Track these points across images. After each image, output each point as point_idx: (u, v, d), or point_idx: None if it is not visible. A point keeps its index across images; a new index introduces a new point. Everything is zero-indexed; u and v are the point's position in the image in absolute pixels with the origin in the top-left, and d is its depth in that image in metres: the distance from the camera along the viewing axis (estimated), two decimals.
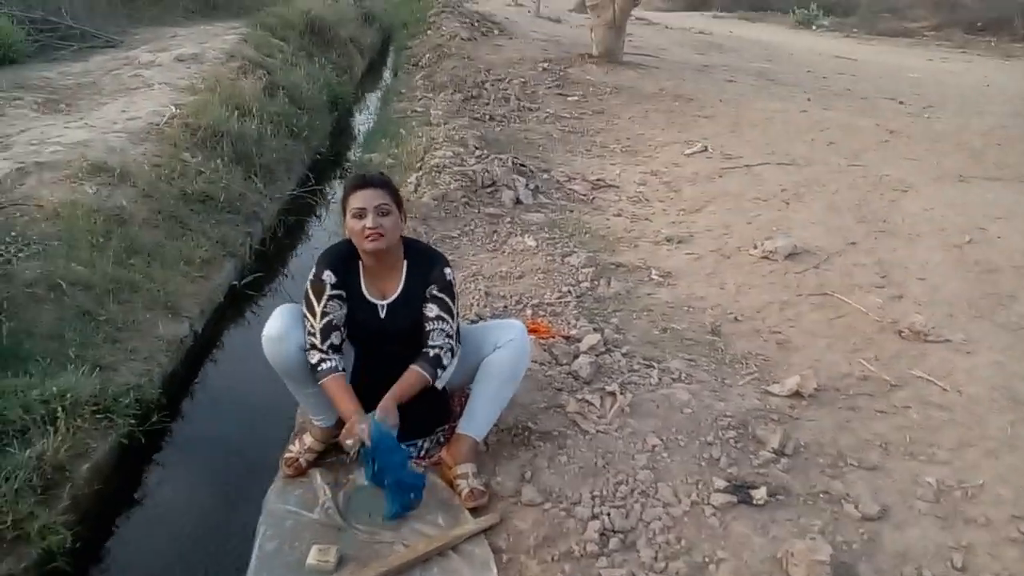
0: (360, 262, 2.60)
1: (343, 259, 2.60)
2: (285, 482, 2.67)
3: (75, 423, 2.79)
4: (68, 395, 2.83)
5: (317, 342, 2.52)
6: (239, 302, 4.47)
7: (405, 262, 2.63)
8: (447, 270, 2.64)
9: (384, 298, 2.61)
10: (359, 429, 2.36)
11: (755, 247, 4.71)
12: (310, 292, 2.55)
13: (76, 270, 3.62)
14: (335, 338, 2.55)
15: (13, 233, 3.56)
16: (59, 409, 2.76)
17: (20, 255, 3.49)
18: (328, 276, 2.55)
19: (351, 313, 2.61)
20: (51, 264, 3.58)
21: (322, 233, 5.55)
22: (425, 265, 2.63)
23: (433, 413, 2.81)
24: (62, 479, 2.64)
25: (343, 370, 2.55)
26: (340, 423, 2.77)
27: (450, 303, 2.62)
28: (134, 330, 3.54)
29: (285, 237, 5.42)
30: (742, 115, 8.32)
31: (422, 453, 2.80)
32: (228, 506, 2.94)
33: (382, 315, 2.61)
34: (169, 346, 3.57)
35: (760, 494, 2.55)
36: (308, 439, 2.76)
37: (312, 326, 2.53)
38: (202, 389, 3.71)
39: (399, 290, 2.61)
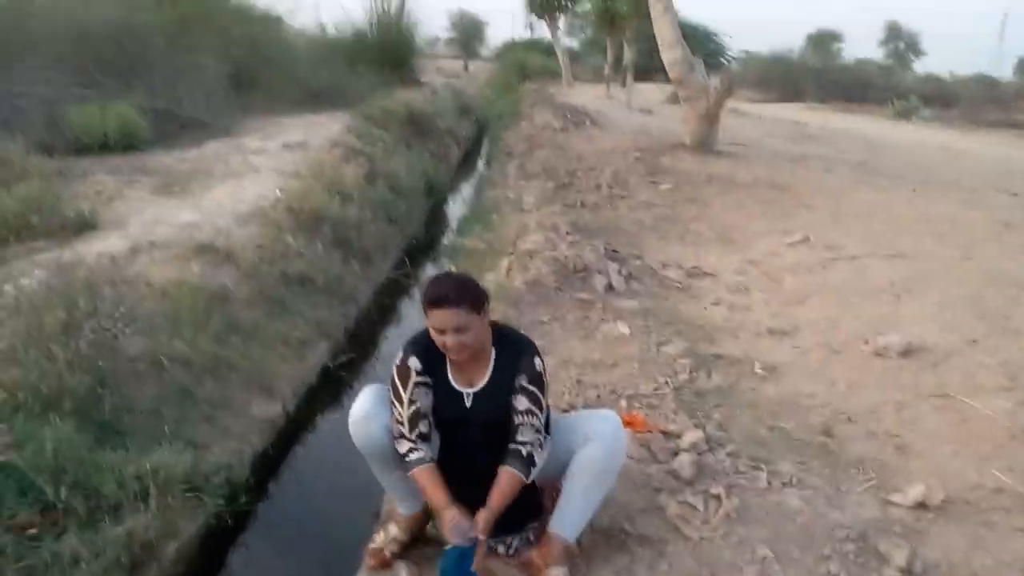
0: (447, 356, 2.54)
1: (429, 346, 2.51)
2: (369, 575, 2.56)
3: (166, 501, 2.79)
4: (161, 472, 2.84)
5: (405, 431, 2.46)
6: (331, 383, 4.48)
7: (494, 350, 2.54)
8: (536, 360, 2.54)
9: (471, 386, 2.53)
10: (461, 528, 2.29)
11: (866, 343, 4.45)
12: (396, 379, 2.49)
13: (178, 347, 3.71)
14: (423, 426, 2.48)
15: (122, 309, 3.68)
16: (151, 486, 2.76)
17: (126, 331, 3.59)
18: (414, 363, 2.49)
19: (436, 401, 2.53)
20: (155, 340, 3.67)
21: (415, 314, 5.57)
22: (514, 354, 2.54)
23: (523, 508, 2.66)
24: (150, 558, 2.63)
25: (433, 460, 2.46)
26: (426, 509, 2.69)
27: (539, 395, 2.52)
28: (228, 408, 3.57)
29: (378, 319, 5.48)
30: (843, 206, 8.09)
31: (511, 551, 2.65)
32: None
33: (468, 404, 2.53)
34: (261, 426, 3.59)
35: None
36: (393, 528, 2.67)
37: (400, 414, 2.47)
38: (290, 471, 3.69)
39: (486, 379, 2.52)
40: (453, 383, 2.53)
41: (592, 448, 2.53)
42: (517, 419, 2.48)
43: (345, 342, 4.86)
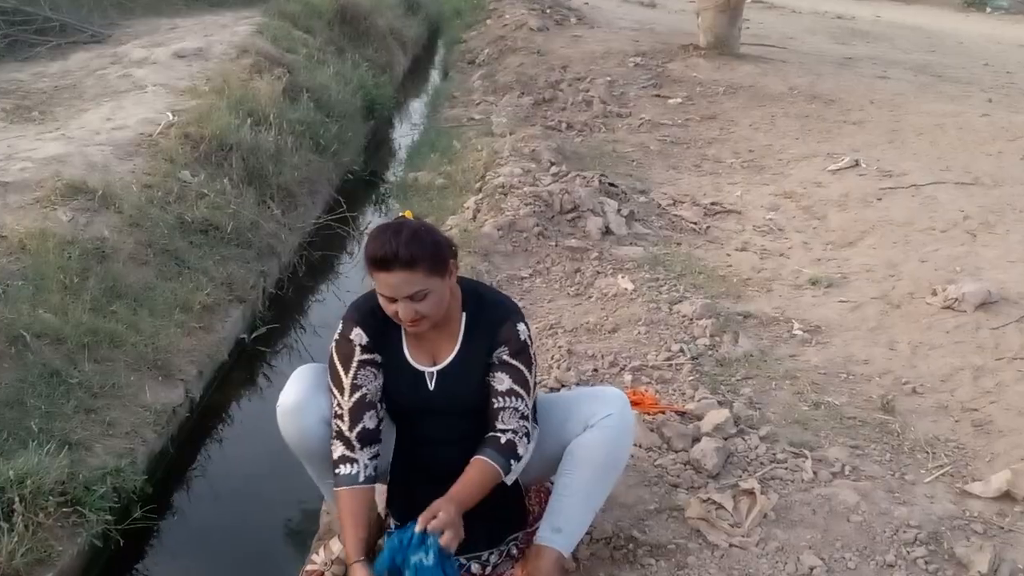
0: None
1: (377, 313, 2.43)
2: None
3: (35, 519, 2.75)
4: (28, 481, 2.79)
5: (344, 428, 2.39)
6: (249, 361, 4.44)
7: (464, 316, 2.50)
8: (520, 326, 2.49)
9: (434, 363, 2.48)
10: None
11: (934, 293, 4.50)
12: (335, 357, 2.43)
13: (44, 318, 3.64)
14: (368, 420, 2.41)
15: None
16: (16, 500, 2.72)
17: None
18: (358, 335, 2.42)
19: (390, 383, 2.48)
20: (13, 310, 3.60)
21: (355, 273, 5.52)
22: (491, 319, 2.49)
23: (502, 515, 2.65)
24: None
25: (367, 480, 2.38)
26: (379, 519, 2.67)
27: (526, 372, 2.47)
28: (113, 396, 3.53)
29: (308, 278, 5.43)
30: (903, 120, 8.11)
31: (488, 570, 2.65)
32: None
33: (431, 386, 2.48)
34: (158, 418, 3.55)
35: None
36: (336, 546, 2.68)
37: (339, 405, 2.40)
38: (200, 475, 3.68)
39: (454, 352, 2.48)
40: (411, 360, 2.48)
41: (591, 436, 2.50)
42: (497, 402, 2.43)
43: (264, 308, 4.80)
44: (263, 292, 4.87)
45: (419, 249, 2.25)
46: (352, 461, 2.37)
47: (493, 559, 2.66)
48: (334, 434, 2.40)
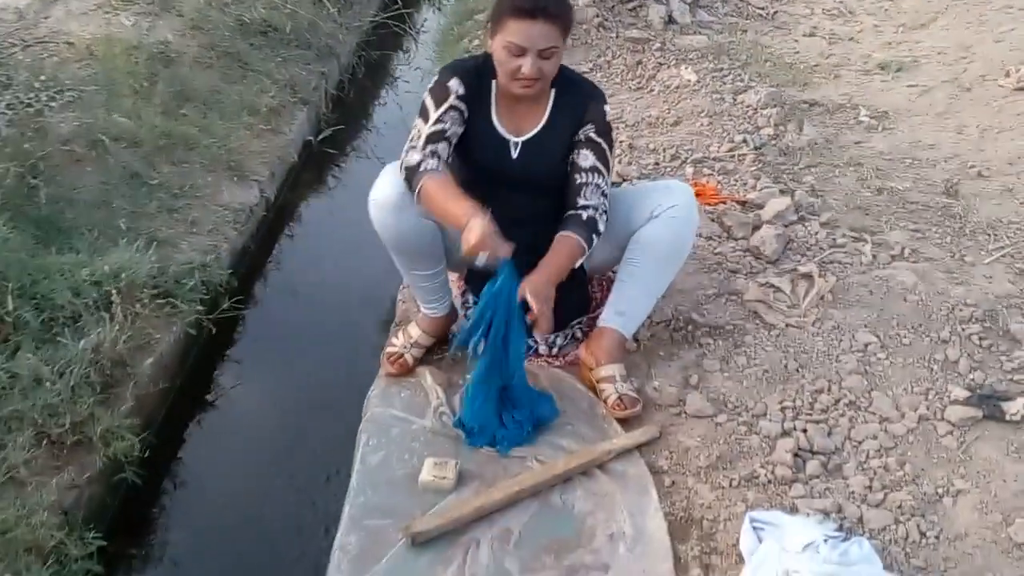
0: (494, 83, 2.54)
1: (475, 75, 2.53)
2: (388, 382, 2.73)
3: (133, 309, 2.94)
4: (123, 275, 2.96)
5: (419, 144, 2.44)
6: (317, 161, 4.54)
7: (553, 91, 2.56)
8: (606, 107, 2.56)
9: (520, 134, 2.55)
10: (490, 240, 2.22)
11: (1007, 75, 4.40)
12: (427, 99, 2.49)
13: (119, 122, 3.74)
14: (441, 148, 2.46)
15: (43, 77, 3.69)
16: (114, 292, 2.90)
17: (52, 104, 3.62)
18: (456, 84, 2.48)
19: (474, 149, 2.56)
20: (89, 115, 3.70)
21: (414, 73, 5.52)
22: (579, 98, 2.55)
23: (568, 299, 2.75)
24: (123, 376, 2.81)
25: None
26: (453, 311, 2.82)
27: (607, 152, 2.56)
28: (193, 197, 3.66)
29: (368, 78, 5.43)
30: None
31: (554, 351, 2.81)
32: (319, 411, 3.07)
33: (514, 155, 2.56)
34: (236, 216, 3.68)
35: (1015, 407, 2.44)
36: (415, 331, 2.80)
37: (418, 130, 2.47)
38: (279, 269, 3.85)
39: (541, 125, 2.55)
40: (498, 126, 2.55)
41: (656, 227, 2.59)
42: (580, 177, 2.52)
43: (328, 110, 4.86)
44: (325, 94, 4.91)
45: (564, 5, 2.40)
46: (431, 160, 2.40)
47: (559, 341, 2.82)
48: (406, 150, 2.45)
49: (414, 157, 2.41)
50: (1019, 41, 4.79)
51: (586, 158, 2.53)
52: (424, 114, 2.48)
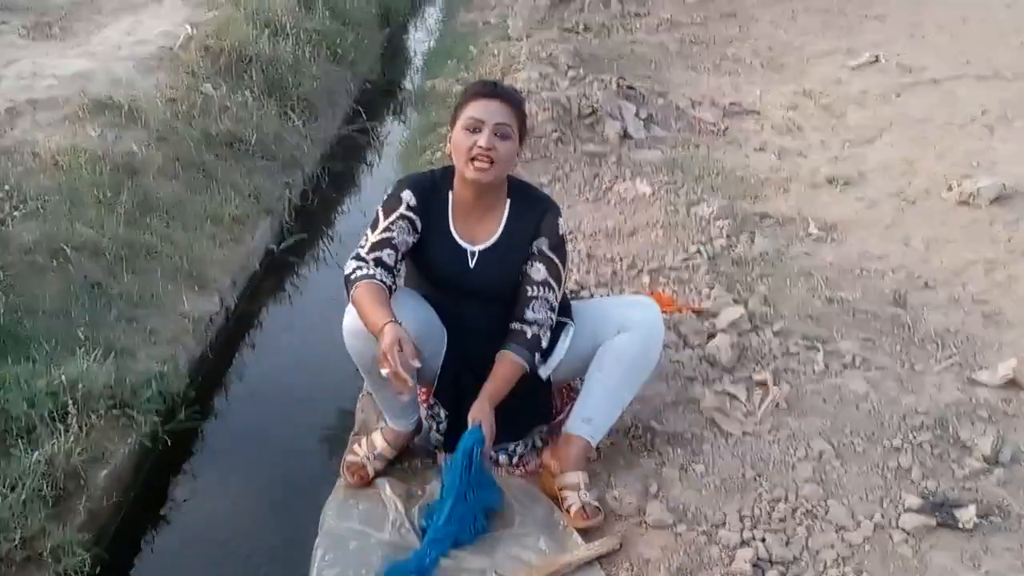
0: (451, 194, 2.62)
1: (430, 186, 2.62)
2: (347, 494, 2.71)
3: (88, 421, 2.91)
4: (79, 385, 2.94)
5: (363, 252, 2.50)
6: (279, 269, 4.56)
7: (508, 201, 2.63)
8: (560, 222, 2.65)
9: (476, 243, 2.62)
10: (391, 353, 2.21)
11: (949, 188, 4.55)
12: (379, 210, 2.57)
13: (82, 231, 3.76)
14: (387, 256, 2.50)
15: (7, 187, 3.71)
16: (70, 403, 2.87)
17: (16, 214, 3.64)
18: (408, 196, 2.57)
19: (433, 259, 2.62)
20: (52, 225, 3.72)
21: (377, 183, 5.60)
22: (533, 211, 2.63)
23: (529, 408, 2.81)
24: (76, 488, 2.76)
25: (386, 285, 2.45)
26: (419, 424, 2.83)
27: (560, 267, 2.63)
28: (153, 306, 3.66)
29: (332, 188, 5.50)
30: (924, 14, 7.97)
31: (514, 460, 2.82)
32: (275, 523, 3.02)
33: (471, 264, 2.62)
34: (196, 325, 3.68)
35: (968, 515, 2.47)
36: (379, 442, 2.79)
37: (366, 238, 2.53)
38: (237, 379, 3.82)
39: (497, 235, 2.62)
40: (455, 235, 2.61)
41: (625, 338, 2.66)
42: (530, 290, 2.59)
43: (291, 219, 4.91)
44: (289, 203, 4.96)
45: (517, 97, 2.60)
46: (365, 267, 2.45)
47: (519, 450, 2.83)
48: (351, 258, 2.50)
49: (351, 265, 2.48)
50: (960, 157, 4.98)
51: (538, 271, 2.60)
52: (374, 224, 2.55)
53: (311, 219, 5.07)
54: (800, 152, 5.22)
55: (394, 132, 6.45)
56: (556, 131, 5.13)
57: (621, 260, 3.92)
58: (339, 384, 3.56)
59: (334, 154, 5.83)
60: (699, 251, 3.95)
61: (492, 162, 2.47)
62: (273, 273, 4.55)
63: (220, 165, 4.77)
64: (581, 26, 7.63)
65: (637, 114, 5.44)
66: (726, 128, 5.58)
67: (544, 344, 2.62)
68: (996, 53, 6.86)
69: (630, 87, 5.81)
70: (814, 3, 8.39)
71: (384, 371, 2.23)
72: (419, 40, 9.06)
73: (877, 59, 6.71)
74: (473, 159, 2.47)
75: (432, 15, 10.04)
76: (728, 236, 4.09)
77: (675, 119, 5.65)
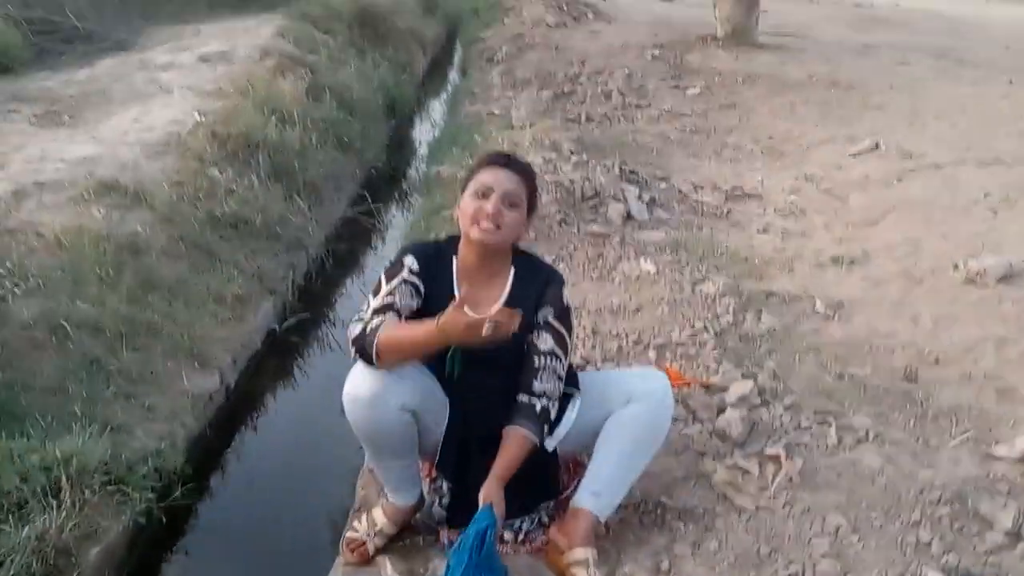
0: (455, 260, 2.59)
1: (433, 254, 2.61)
2: (346, 572, 2.62)
3: (82, 496, 2.83)
4: (73, 461, 2.87)
5: (365, 317, 2.44)
6: (280, 350, 4.52)
7: (512, 269, 2.61)
8: (565, 292, 2.62)
9: (479, 310, 2.57)
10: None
11: (956, 268, 4.53)
12: (382, 277, 2.55)
13: (82, 309, 3.73)
14: (389, 319, 2.45)
15: (8, 265, 3.70)
16: (63, 478, 2.80)
17: (16, 291, 3.62)
18: (410, 261, 2.55)
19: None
20: (53, 302, 3.69)
21: (381, 264, 5.58)
22: (537, 280, 2.61)
23: (536, 483, 2.72)
24: (67, 566, 2.67)
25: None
26: (421, 501, 2.74)
27: (566, 337, 2.59)
28: (152, 383, 3.61)
29: (335, 270, 5.50)
30: (922, 103, 8.11)
31: (520, 537, 2.72)
32: None
33: None
34: (195, 403, 3.63)
35: None
36: (380, 518, 2.71)
37: (368, 304, 2.49)
38: (236, 456, 3.75)
39: (501, 302, 2.57)
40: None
41: (635, 409, 2.61)
42: (537, 361, 2.54)
43: (294, 299, 4.89)
44: (292, 284, 4.95)
45: (529, 169, 2.62)
46: (375, 319, 2.41)
47: (525, 526, 2.73)
48: (354, 321, 2.45)
49: (356, 327, 2.42)
50: (964, 238, 4.97)
51: (545, 341, 2.56)
52: (376, 290, 2.53)
53: (314, 299, 5.06)
54: (803, 233, 5.23)
55: (399, 216, 6.49)
56: (560, 213, 5.14)
57: (627, 336, 3.87)
58: (340, 462, 3.51)
59: (339, 236, 5.85)
60: (705, 327, 3.91)
61: (498, 227, 2.47)
62: (275, 352, 4.51)
63: (224, 246, 4.78)
64: (583, 117, 7.75)
65: (640, 197, 5.46)
66: (729, 211, 5.59)
67: (552, 416, 2.57)
68: (996, 140, 6.94)
69: (632, 172, 5.86)
70: (813, 95, 8.54)
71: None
72: (424, 130, 9.20)
73: (877, 146, 6.78)
74: (479, 222, 2.46)
75: (437, 108, 10.22)
76: (734, 313, 4.06)
77: (677, 202, 5.68)
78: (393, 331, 2.37)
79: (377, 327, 2.37)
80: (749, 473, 2.91)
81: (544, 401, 2.54)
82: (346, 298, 5.32)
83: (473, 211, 2.47)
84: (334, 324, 4.95)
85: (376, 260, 5.84)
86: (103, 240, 4.23)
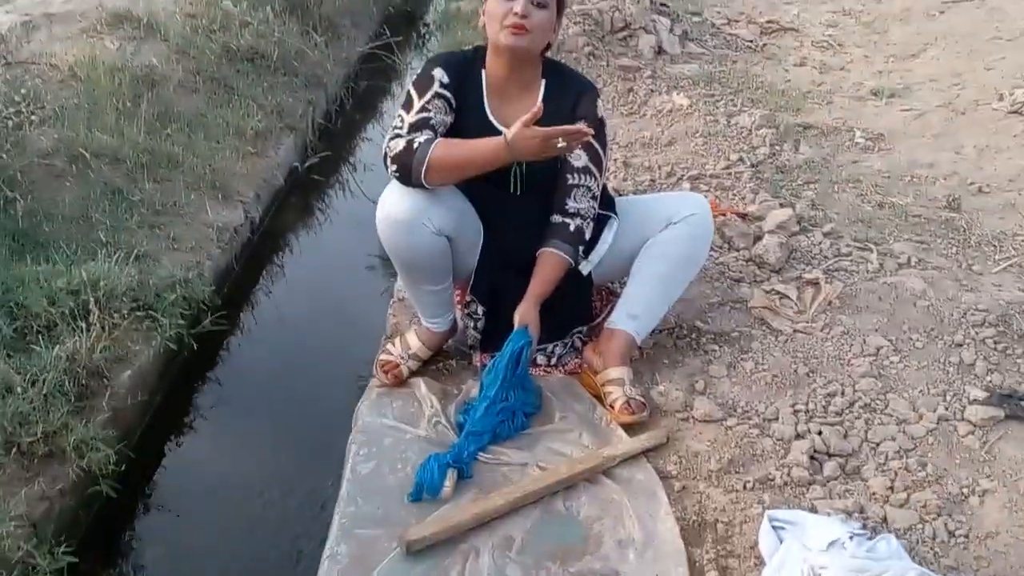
0: (484, 73, 2.47)
1: (463, 65, 2.48)
2: (380, 392, 2.62)
3: (111, 320, 2.80)
4: (101, 285, 2.84)
5: (403, 133, 2.34)
6: (303, 188, 4.45)
7: (543, 82, 2.49)
8: (599, 103, 2.51)
9: (511, 125, 2.47)
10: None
11: (1000, 99, 4.39)
12: (412, 89, 2.44)
13: (100, 139, 3.65)
14: (425, 135, 2.36)
15: (23, 92, 3.60)
16: (91, 302, 2.77)
17: (33, 118, 3.52)
18: (440, 74, 2.43)
19: (469, 139, 2.47)
20: (71, 131, 3.60)
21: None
22: (570, 91, 2.49)
23: (570, 308, 2.69)
24: (99, 387, 2.66)
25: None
26: (454, 327, 2.72)
27: (601, 153, 2.48)
28: (175, 214, 3.55)
29: (356, 111, 5.37)
30: None
31: (553, 360, 2.70)
32: (306, 425, 2.93)
33: None
34: (220, 235, 3.57)
35: None
36: (414, 341, 2.69)
37: (402, 119, 2.38)
38: (264, 290, 3.72)
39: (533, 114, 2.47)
40: (491, 118, 2.48)
41: (675, 231, 2.55)
42: (572, 178, 2.45)
43: (315, 138, 4.77)
44: (312, 122, 4.82)
45: None
46: (418, 135, 2.32)
47: (558, 350, 2.72)
48: (391, 138, 2.36)
49: (397, 143, 2.31)
50: (1010, 69, 4.78)
51: (579, 157, 2.45)
52: (408, 104, 2.41)
53: (335, 139, 4.94)
54: (842, 67, 5.07)
55: (419, 55, 6.29)
56: (588, 45, 4.96)
57: (659, 168, 3.77)
58: (367, 298, 3.49)
59: (358, 75, 5.69)
60: (741, 159, 3.81)
61: (527, 29, 2.32)
62: (298, 191, 4.43)
63: (241, 80, 4.63)
64: None
65: (671, 30, 5.26)
66: (764, 44, 5.42)
67: (587, 236, 2.49)
68: None
69: (663, 3, 5.62)
70: None
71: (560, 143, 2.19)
72: None
73: None
74: (508, 26, 2.32)
75: None
76: (771, 145, 3.94)
77: (711, 35, 5.49)
78: (450, 148, 2.29)
79: (426, 143, 2.27)
80: (787, 297, 2.86)
81: (578, 221, 2.46)
82: (368, 138, 5.20)
83: (501, 15, 2.32)
84: (356, 164, 4.85)
85: (396, 101, 5.68)
86: (118, 72, 4.10)
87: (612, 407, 2.45)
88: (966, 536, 2.00)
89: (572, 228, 2.45)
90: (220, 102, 4.40)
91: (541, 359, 2.69)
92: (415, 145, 2.27)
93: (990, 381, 2.48)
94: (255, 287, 3.72)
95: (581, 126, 2.22)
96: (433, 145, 2.27)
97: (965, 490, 2.13)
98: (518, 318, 2.41)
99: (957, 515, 2.06)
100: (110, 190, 3.48)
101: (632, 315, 2.56)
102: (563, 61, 4.74)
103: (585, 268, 2.59)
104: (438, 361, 2.74)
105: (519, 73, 2.46)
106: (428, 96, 2.39)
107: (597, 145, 2.47)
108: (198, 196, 3.69)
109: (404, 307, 2.98)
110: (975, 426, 2.32)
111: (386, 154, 2.33)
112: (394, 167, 2.31)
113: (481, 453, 2.35)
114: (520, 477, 2.28)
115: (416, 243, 2.40)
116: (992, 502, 2.09)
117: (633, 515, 2.15)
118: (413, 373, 2.68)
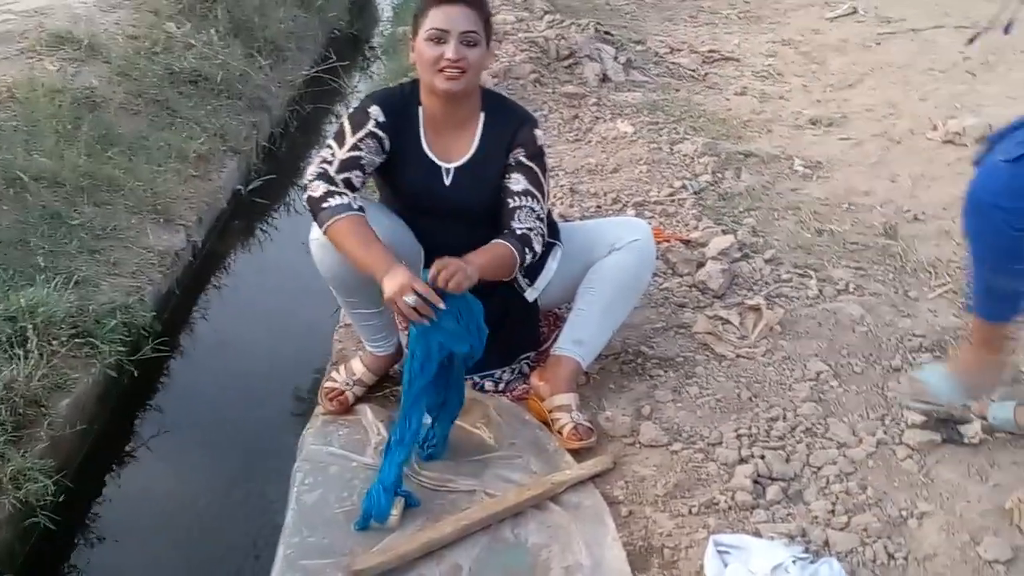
0: (421, 109, 2.47)
1: (399, 102, 2.45)
2: (325, 420, 2.60)
3: (49, 347, 2.76)
4: (40, 311, 2.79)
5: (331, 171, 2.30)
6: (247, 211, 4.41)
7: (482, 115, 2.49)
8: (538, 132, 2.50)
9: (451, 160, 2.48)
10: (417, 283, 2.10)
11: (934, 128, 4.49)
12: (346, 123, 2.39)
13: (40, 162, 3.60)
14: (355, 177, 2.33)
15: None
16: (29, 328, 2.73)
17: None
18: (376, 112, 2.39)
19: (405, 176, 2.48)
20: (8, 154, 3.55)
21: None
22: (509, 122, 2.48)
23: (516, 334, 2.70)
24: (37, 416, 2.62)
25: (359, 211, 2.27)
26: (399, 351, 2.69)
27: (540, 177, 2.49)
28: (116, 238, 3.51)
29: (300, 133, 5.35)
30: None
31: (500, 387, 2.71)
32: (249, 451, 2.91)
33: (447, 181, 2.48)
34: (162, 259, 3.54)
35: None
36: (358, 367, 2.67)
37: (332, 154, 2.33)
38: (206, 315, 3.69)
39: (472, 150, 2.47)
40: (428, 153, 2.47)
41: (619, 257, 2.57)
42: (512, 201, 2.44)
43: (259, 160, 4.75)
44: (256, 145, 4.81)
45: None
46: (341, 195, 2.26)
47: (506, 376, 2.72)
48: (317, 174, 2.30)
49: (319, 186, 2.28)
50: (943, 99, 4.92)
51: (517, 182, 2.44)
52: (340, 138, 2.37)
53: (279, 162, 4.94)
54: (781, 96, 5.16)
55: (363, 78, 6.30)
56: (534, 72, 5.00)
57: (605, 195, 3.81)
58: (312, 323, 3.45)
59: (303, 98, 5.67)
60: (684, 186, 3.86)
61: (463, 71, 2.31)
62: (241, 214, 4.41)
63: (184, 102, 4.61)
64: None
65: (616, 58, 5.33)
66: (706, 73, 5.50)
67: (537, 247, 2.42)
68: (973, 5, 6.81)
69: (607, 32, 5.70)
70: None
71: (410, 299, 2.09)
72: None
73: (855, 11, 6.68)
74: (442, 71, 2.30)
75: None
76: (713, 172, 4.00)
77: (654, 64, 5.56)
78: (350, 234, 2.21)
79: (338, 208, 2.22)
80: (729, 323, 2.91)
81: (525, 230, 2.40)
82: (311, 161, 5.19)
83: (433, 59, 2.29)
84: (300, 186, 4.82)
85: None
86: (57, 93, 4.06)
87: (560, 433, 2.46)
88: (905, 559, 2.04)
89: (519, 232, 2.39)
90: (162, 125, 4.37)
91: (489, 385, 2.70)
92: (328, 204, 2.23)
93: (929, 405, 2.53)
94: (197, 312, 3.69)
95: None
96: (341, 216, 2.22)
97: (904, 513, 2.18)
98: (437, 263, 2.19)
99: (896, 537, 2.11)
100: (49, 214, 3.43)
101: (577, 340, 2.58)
102: (509, 87, 4.84)
103: (531, 295, 2.61)
104: (385, 387, 2.72)
105: (457, 110, 2.44)
106: (361, 134, 2.36)
107: (536, 168, 2.46)
108: (139, 220, 3.65)
109: (350, 333, 2.97)
110: (913, 450, 2.37)
111: (305, 186, 2.31)
112: (307, 205, 2.30)
113: (428, 478, 2.34)
114: (468, 504, 2.28)
115: (347, 265, 2.35)
116: (930, 524, 2.14)
117: (581, 541, 2.15)
118: (359, 399, 2.66)
